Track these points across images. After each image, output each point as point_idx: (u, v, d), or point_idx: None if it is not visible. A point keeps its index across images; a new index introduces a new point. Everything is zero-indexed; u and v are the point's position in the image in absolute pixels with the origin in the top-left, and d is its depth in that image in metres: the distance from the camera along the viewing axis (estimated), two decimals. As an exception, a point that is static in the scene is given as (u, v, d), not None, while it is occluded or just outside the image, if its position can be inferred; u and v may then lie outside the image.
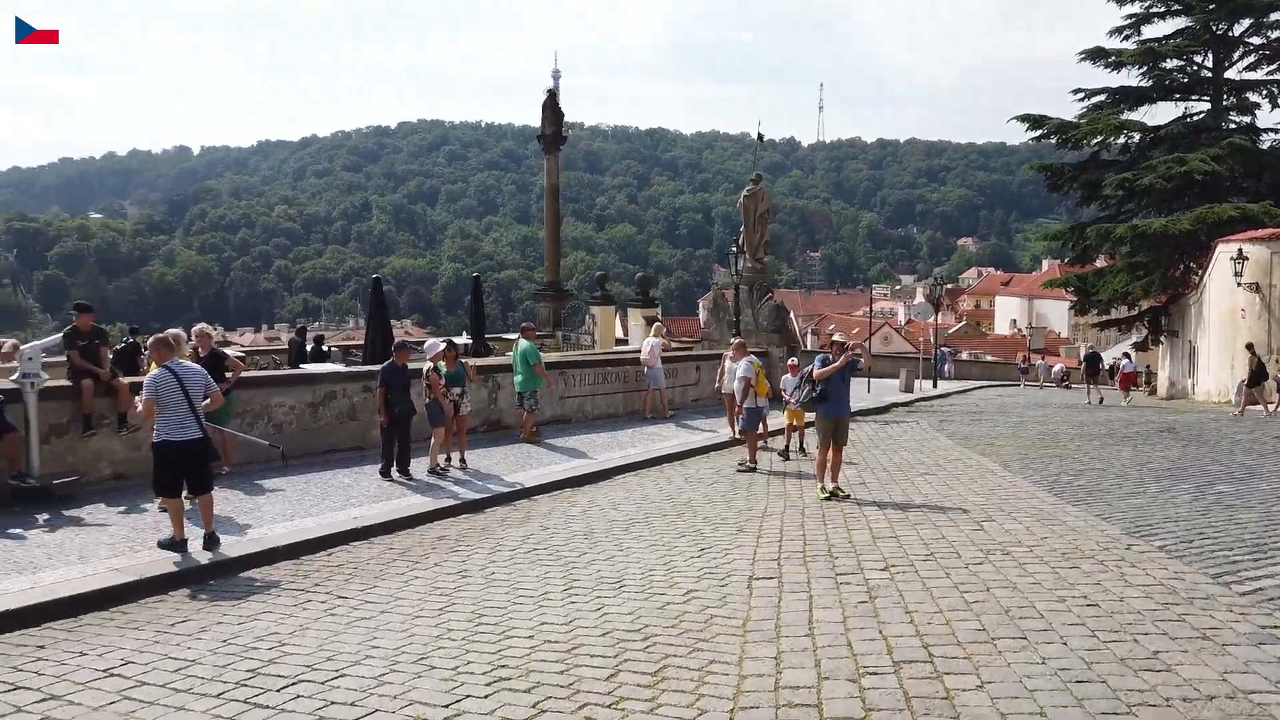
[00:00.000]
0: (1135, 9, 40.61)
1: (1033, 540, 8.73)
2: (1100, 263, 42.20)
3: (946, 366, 36.25)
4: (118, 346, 22.18)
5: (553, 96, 30.93)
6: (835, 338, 11.79)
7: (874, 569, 7.87)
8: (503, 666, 5.76)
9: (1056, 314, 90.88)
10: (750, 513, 10.58)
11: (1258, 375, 22.97)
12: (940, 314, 49.47)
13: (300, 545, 8.92)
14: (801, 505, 11.04)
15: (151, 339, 8.50)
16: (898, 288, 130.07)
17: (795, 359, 17.40)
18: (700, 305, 26.08)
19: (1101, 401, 30.13)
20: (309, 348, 22.79)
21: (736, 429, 15.40)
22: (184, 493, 8.41)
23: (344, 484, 11.63)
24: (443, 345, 13.22)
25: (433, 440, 12.53)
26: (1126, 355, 37.84)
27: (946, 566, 7.88)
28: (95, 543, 8.61)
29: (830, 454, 11.69)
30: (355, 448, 13.44)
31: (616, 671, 5.62)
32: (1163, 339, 39.38)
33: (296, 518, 9.88)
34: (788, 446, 15.10)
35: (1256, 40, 39.09)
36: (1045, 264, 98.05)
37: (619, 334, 30.46)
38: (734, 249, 22.03)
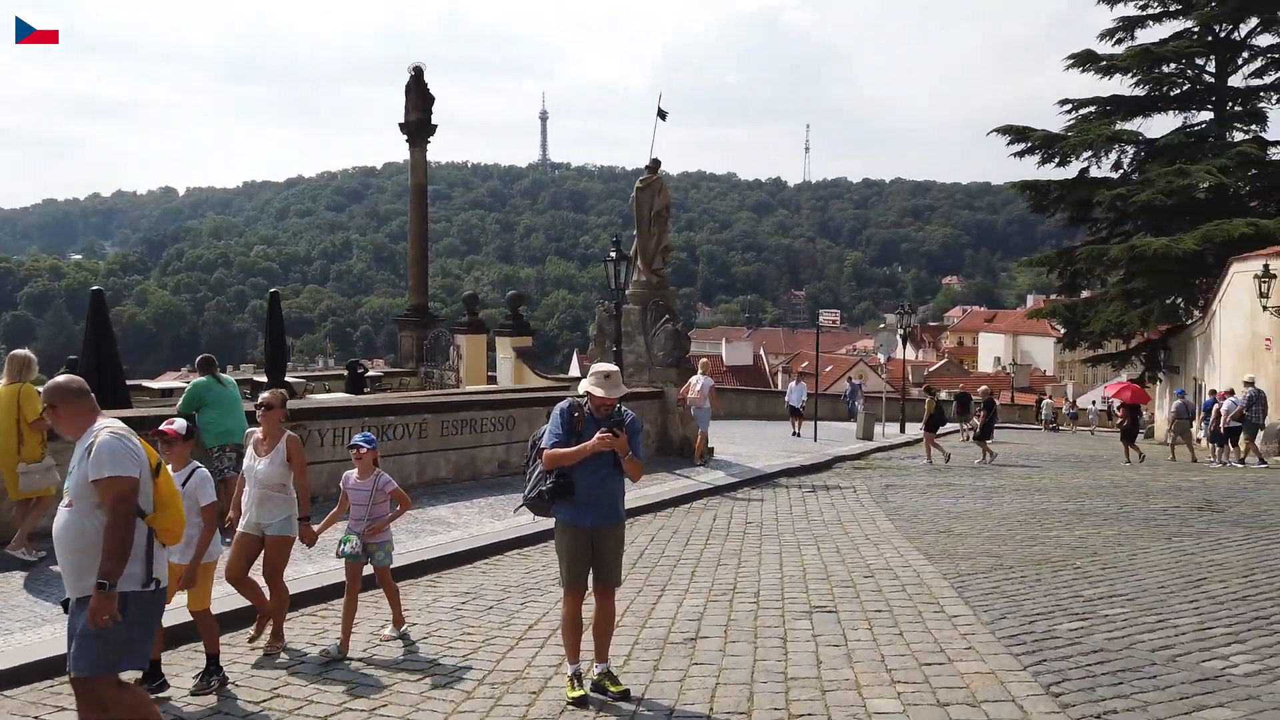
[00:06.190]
0: (1129, 10, 35.99)
1: None
2: (1089, 294, 37.94)
3: (857, 403, 30.75)
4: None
5: (418, 74, 24.00)
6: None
7: None
8: None
9: (1042, 351, 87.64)
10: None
11: (935, 420, 21.26)
12: (921, 351, 44.48)
13: None
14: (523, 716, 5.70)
15: None
16: (881, 326, 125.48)
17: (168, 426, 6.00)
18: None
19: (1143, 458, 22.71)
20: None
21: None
22: None
23: None
24: None
25: None
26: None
27: None
28: None
29: (596, 602, 6.04)
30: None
31: None
32: (1160, 376, 34.58)
33: None
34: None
35: (1265, 41, 34.39)
36: (1030, 300, 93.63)
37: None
38: (612, 254, 16.25)
